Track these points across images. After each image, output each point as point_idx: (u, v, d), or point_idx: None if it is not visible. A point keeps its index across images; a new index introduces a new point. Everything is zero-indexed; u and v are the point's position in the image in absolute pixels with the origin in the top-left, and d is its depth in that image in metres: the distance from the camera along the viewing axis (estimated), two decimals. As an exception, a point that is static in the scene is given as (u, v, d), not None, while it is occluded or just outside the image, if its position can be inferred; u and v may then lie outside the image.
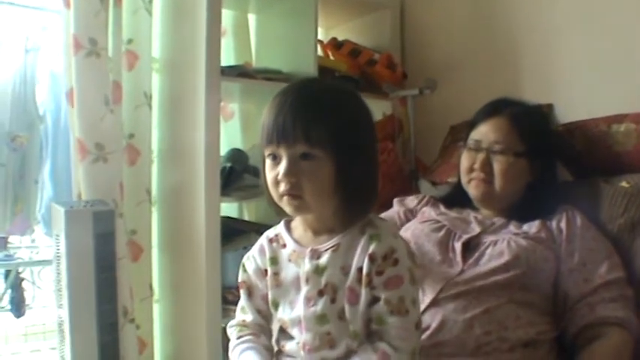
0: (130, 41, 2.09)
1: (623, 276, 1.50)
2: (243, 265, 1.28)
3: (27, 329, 3.81)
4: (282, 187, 1.11)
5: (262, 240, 1.27)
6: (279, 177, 1.10)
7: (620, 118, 1.78)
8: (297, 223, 1.23)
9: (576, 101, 2.03)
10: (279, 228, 1.25)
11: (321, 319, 1.14)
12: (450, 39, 2.51)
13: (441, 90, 2.34)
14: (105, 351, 1.79)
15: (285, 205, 1.13)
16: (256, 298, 1.27)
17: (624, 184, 1.68)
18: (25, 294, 3.59)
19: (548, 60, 2.15)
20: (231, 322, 1.30)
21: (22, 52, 2.24)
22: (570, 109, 2.02)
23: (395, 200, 1.87)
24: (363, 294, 1.12)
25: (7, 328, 3.73)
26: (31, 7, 2.38)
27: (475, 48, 2.40)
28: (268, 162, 1.14)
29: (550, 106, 2.09)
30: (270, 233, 1.27)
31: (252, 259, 1.26)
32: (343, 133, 1.09)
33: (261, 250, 1.25)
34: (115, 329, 1.83)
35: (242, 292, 1.28)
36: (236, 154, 2.23)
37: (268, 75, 2.18)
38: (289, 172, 1.09)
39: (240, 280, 1.28)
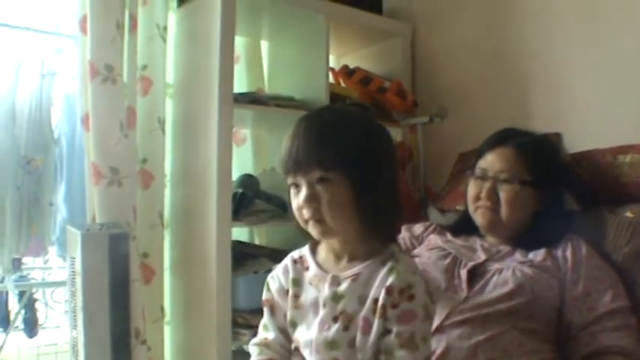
0: (144, 67, 2.14)
1: (627, 305, 1.51)
2: (267, 284, 1.30)
3: (39, 349, 3.83)
4: (305, 213, 1.14)
5: (287, 260, 1.29)
6: (301, 203, 1.14)
7: (625, 149, 1.79)
8: (322, 247, 1.25)
9: (584, 131, 2.05)
10: (305, 250, 1.28)
11: (332, 344, 1.16)
12: (460, 67, 2.54)
13: (451, 117, 2.36)
14: None
15: (311, 229, 1.16)
16: (279, 316, 1.28)
17: (629, 214, 1.69)
18: (38, 314, 3.62)
19: (558, 89, 2.17)
20: (254, 340, 1.32)
21: (38, 76, 2.28)
22: (578, 139, 2.03)
23: (403, 227, 1.89)
24: (376, 325, 1.13)
25: (20, 348, 3.76)
26: (47, 32, 2.44)
27: (485, 76, 2.43)
28: (292, 191, 1.18)
29: (558, 135, 2.10)
30: (295, 254, 1.29)
31: (277, 278, 1.28)
32: (356, 154, 1.12)
33: (285, 271, 1.27)
34: (128, 350, 1.85)
35: (265, 310, 1.30)
36: (247, 180, 2.26)
37: (280, 102, 2.22)
38: (309, 199, 1.13)
39: (263, 298, 1.30)
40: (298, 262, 1.27)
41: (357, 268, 1.17)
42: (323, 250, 1.24)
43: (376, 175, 1.14)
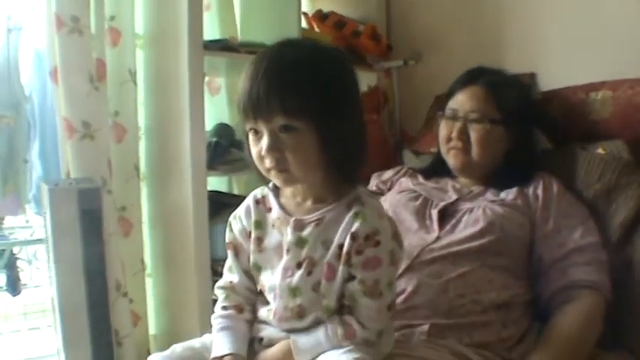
0: (112, 18, 2.09)
1: (597, 241, 1.53)
2: (230, 225, 1.24)
3: (26, 308, 3.85)
4: (268, 162, 1.08)
5: (249, 200, 1.23)
6: (263, 153, 1.07)
7: (597, 86, 1.80)
8: (286, 188, 1.18)
9: (558, 70, 2.05)
10: (267, 190, 1.21)
11: (294, 291, 1.14)
12: (434, 10, 2.51)
13: (426, 61, 2.36)
14: (96, 326, 1.81)
15: (274, 178, 1.11)
16: (243, 258, 1.23)
17: (600, 150, 1.71)
18: (22, 274, 3.64)
19: (532, 30, 2.17)
20: (219, 283, 1.28)
21: (4, 31, 2.23)
22: (552, 78, 2.04)
23: (373, 175, 1.89)
24: (340, 271, 1.10)
25: (7, 307, 3.78)
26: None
27: (459, 19, 2.40)
28: (251, 136, 1.10)
29: (533, 75, 2.11)
30: (257, 194, 1.23)
31: (239, 219, 1.23)
32: (323, 101, 1.04)
33: (247, 212, 1.21)
34: (106, 304, 1.85)
35: (229, 252, 1.25)
36: (222, 129, 2.24)
37: (252, 48, 2.18)
38: (272, 148, 1.05)
39: (227, 240, 1.25)
40: (260, 202, 1.21)
41: (320, 211, 1.13)
42: (287, 191, 1.18)
43: (345, 120, 1.08)
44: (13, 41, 2.25)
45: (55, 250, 1.78)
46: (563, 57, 2.06)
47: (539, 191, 1.58)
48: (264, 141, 1.06)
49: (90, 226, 1.79)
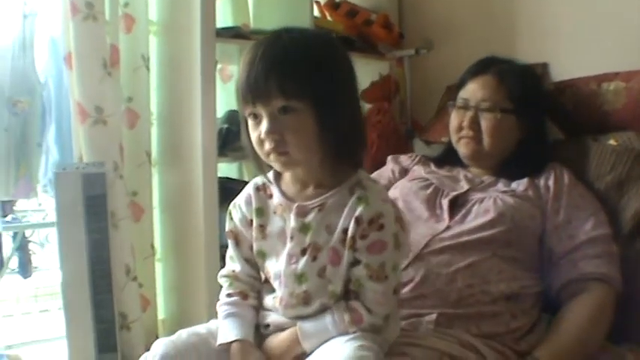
0: (126, 4, 2.10)
1: (608, 233, 1.53)
2: (230, 213, 1.25)
3: (37, 290, 3.90)
4: (267, 145, 1.09)
5: (250, 188, 1.24)
6: (262, 136, 1.08)
7: (610, 77, 1.79)
8: (286, 174, 1.20)
9: (571, 60, 2.04)
10: (268, 176, 1.21)
11: (300, 277, 1.15)
12: (446, -1, 2.51)
13: (438, 50, 2.35)
14: (99, 311, 1.82)
15: (273, 162, 1.12)
16: (244, 247, 1.25)
17: (612, 142, 1.70)
18: (34, 257, 3.68)
19: (544, 19, 2.16)
20: (222, 272, 1.29)
21: (20, 17, 2.25)
22: (565, 68, 2.03)
23: (389, 157, 1.88)
24: (346, 255, 1.12)
25: (18, 289, 3.82)
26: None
27: (471, 8, 2.40)
28: (250, 122, 1.12)
29: (545, 65, 2.10)
30: (258, 181, 1.24)
31: (239, 207, 1.24)
32: (320, 81, 1.06)
33: (248, 199, 1.23)
34: (110, 290, 1.85)
35: (230, 241, 1.26)
36: (233, 115, 2.24)
37: (264, 36, 2.19)
38: (271, 130, 1.07)
39: (227, 229, 1.26)
40: (261, 189, 1.22)
41: (323, 196, 1.14)
42: (288, 177, 1.20)
43: (342, 100, 1.09)
44: (29, 27, 2.27)
45: (60, 234, 1.79)
46: (576, 47, 2.05)
47: (551, 182, 1.57)
48: (264, 124, 1.08)
49: (94, 211, 1.79)
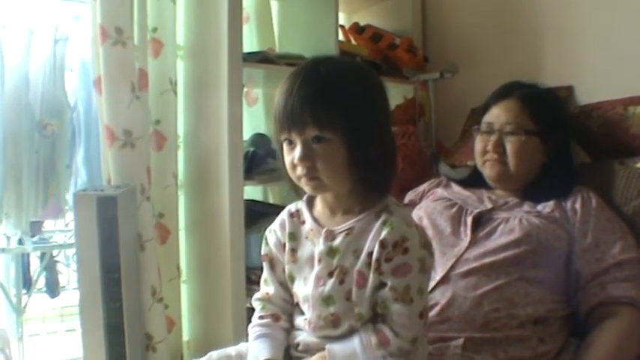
0: (155, 29, 2.15)
1: (636, 256, 1.51)
2: (266, 239, 1.29)
3: (63, 310, 3.93)
4: (299, 170, 1.13)
5: (284, 214, 1.28)
6: (295, 161, 1.12)
7: (636, 100, 1.78)
8: (318, 200, 1.24)
9: (596, 83, 2.04)
10: (301, 203, 1.26)
11: (327, 300, 1.17)
12: (471, 22, 2.52)
13: (462, 73, 2.35)
14: (111, 335, 1.82)
15: (304, 186, 1.15)
16: (278, 270, 1.28)
17: (639, 165, 1.69)
18: (61, 277, 3.72)
19: (569, 42, 2.16)
20: (256, 295, 1.32)
21: (51, 42, 2.30)
22: (590, 91, 2.03)
23: (408, 193, 1.91)
24: (371, 278, 1.13)
25: (44, 308, 3.86)
26: (59, -2, 2.46)
27: (496, 31, 2.41)
28: (285, 146, 1.16)
29: (570, 88, 2.10)
30: (292, 207, 1.28)
31: (274, 232, 1.28)
32: (353, 115, 1.10)
33: (282, 224, 1.27)
34: (120, 313, 1.84)
35: (265, 265, 1.30)
36: (259, 139, 2.27)
37: (290, 60, 2.21)
38: (304, 157, 1.11)
39: (262, 252, 1.30)
40: (295, 215, 1.26)
41: (351, 222, 1.17)
42: (319, 204, 1.23)
43: (372, 132, 1.12)
44: (60, 51, 2.32)
45: (78, 255, 1.82)
46: (601, 70, 2.05)
47: (578, 205, 1.57)
48: (297, 150, 1.12)
49: (107, 234, 1.80)
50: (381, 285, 1.13)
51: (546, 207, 1.58)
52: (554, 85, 2.01)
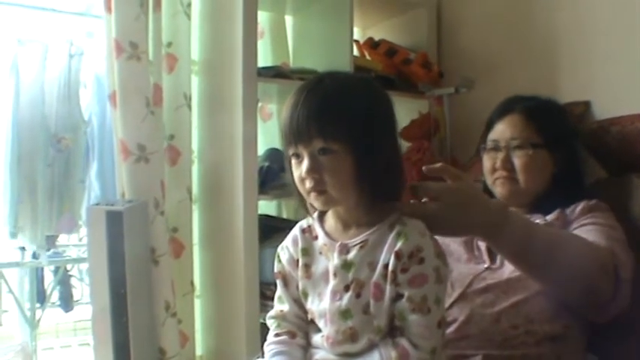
0: (169, 44, 2.16)
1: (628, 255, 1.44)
2: (278, 256, 1.28)
3: (76, 324, 3.94)
4: (308, 184, 1.12)
5: (296, 230, 1.27)
6: (303, 175, 1.12)
7: (655, 115, 1.77)
8: (330, 215, 1.23)
9: (614, 98, 2.01)
10: (312, 219, 1.25)
11: (345, 314, 1.15)
12: (486, 37, 2.51)
13: (478, 88, 2.34)
14: (117, 351, 1.82)
15: (313, 200, 1.15)
16: (292, 287, 1.26)
17: (660, 180, 1.67)
18: (74, 291, 3.73)
19: (586, 57, 2.14)
20: (270, 313, 1.30)
21: (66, 56, 2.32)
22: (608, 106, 2.00)
23: None
24: (388, 290, 1.12)
25: (58, 322, 3.87)
26: (74, 13, 2.47)
27: (512, 46, 2.39)
28: (293, 161, 1.15)
29: (587, 103, 2.08)
30: (303, 224, 1.27)
31: (286, 249, 1.26)
32: (357, 126, 1.10)
33: (295, 240, 1.25)
34: (126, 327, 1.84)
35: (278, 282, 1.28)
36: (273, 154, 2.27)
37: (304, 75, 2.21)
38: (311, 169, 1.10)
39: (275, 270, 1.28)
40: (307, 231, 1.25)
41: (364, 234, 1.16)
42: (331, 218, 1.22)
43: (379, 143, 1.12)
44: (75, 66, 2.33)
45: (89, 269, 1.82)
46: (619, 85, 2.02)
47: (578, 208, 1.55)
48: (305, 163, 1.11)
49: (115, 249, 1.81)
50: (398, 296, 1.12)
51: (552, 216, 1.57)
52: (571, 100, 2.00)
